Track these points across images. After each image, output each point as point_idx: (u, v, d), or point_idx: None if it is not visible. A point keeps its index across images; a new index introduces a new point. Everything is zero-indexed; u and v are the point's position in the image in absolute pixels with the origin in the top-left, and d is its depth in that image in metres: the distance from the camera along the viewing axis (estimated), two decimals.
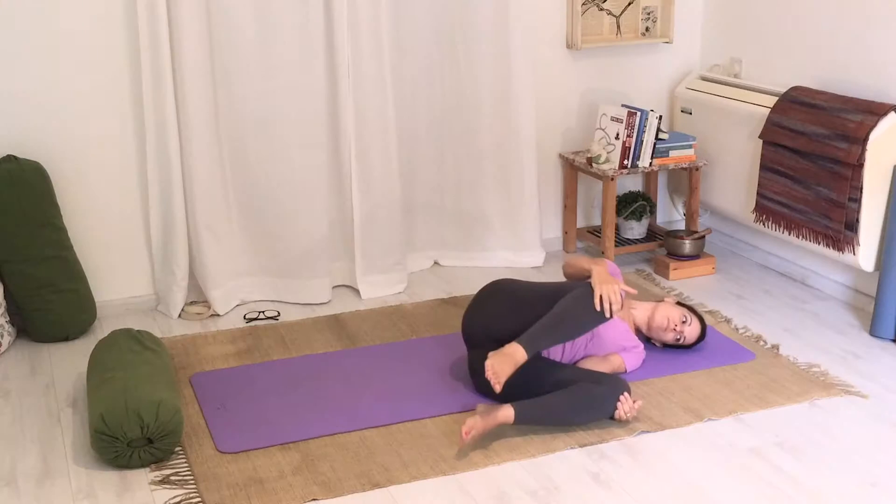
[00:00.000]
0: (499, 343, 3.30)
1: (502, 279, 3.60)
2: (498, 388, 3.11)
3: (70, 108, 4.00)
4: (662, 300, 3.82)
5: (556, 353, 3.49)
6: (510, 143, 4.60)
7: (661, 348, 3.79)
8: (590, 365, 3.51)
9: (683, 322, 3.69)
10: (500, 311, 3.41)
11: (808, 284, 4.48)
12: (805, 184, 4.12)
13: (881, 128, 3.84)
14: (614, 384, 3.26)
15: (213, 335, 4.02)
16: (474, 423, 3.06)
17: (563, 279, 3.68)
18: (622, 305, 3.26)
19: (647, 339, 3.80)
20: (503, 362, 3.13)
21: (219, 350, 3.87)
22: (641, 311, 3.76)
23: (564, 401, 3.21)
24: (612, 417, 3.24)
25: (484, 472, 3.02)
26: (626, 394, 3.24)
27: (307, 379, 3.60)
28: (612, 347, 3.58)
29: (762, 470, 3.01)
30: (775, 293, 4.41)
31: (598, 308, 3.23)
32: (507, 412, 3.14)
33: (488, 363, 3.13)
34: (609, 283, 3.27)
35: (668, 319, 3.69)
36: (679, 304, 3.81)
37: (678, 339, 3.71)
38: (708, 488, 2.92)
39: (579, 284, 3.36)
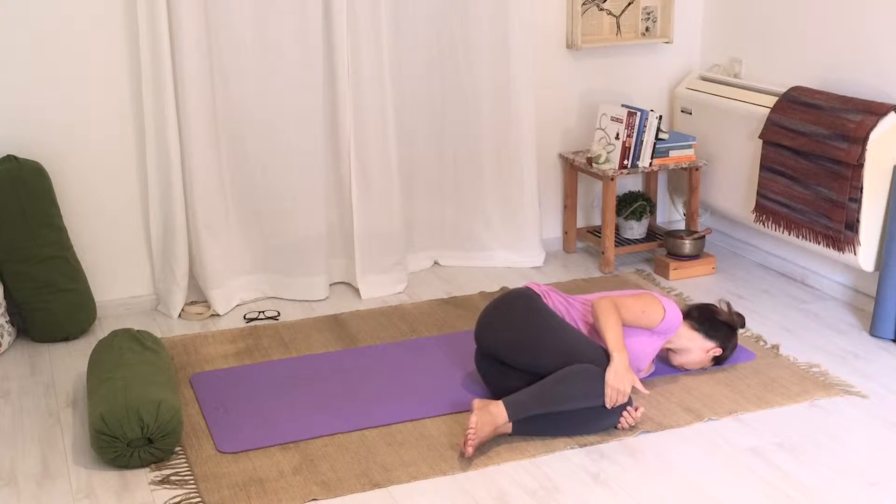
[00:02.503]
0: (502, 364, 3.31)
1: (531, 294, 3.39)
2: (470, 450, 3.02)
3: (70, 108, 4.00)
4: (708, 351, 3.53)
5: None
6: (510, 142, 4.60)
7: None
8: None
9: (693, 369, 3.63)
10: (513, 338, 3.29)
11: (808, 284, 4.48)
12: (805, 184, 4.12)
13: (881, 128, 3.84)
14: None
15: (213, 335, 4.02)
16: (475, 424, 3.04)
17: (562, 287, 3.67)
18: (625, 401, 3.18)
19: None
20: (485, 423, 3.05)
21: (219, 350, 3.87)
22: (675, 341, 3.53)
23: (565, 416, 3.16)
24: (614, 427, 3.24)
25: (484, 472, 3.02)
26: (628, 408, 3.21)
27: (307, 379, 3.60)
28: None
29: (762, 470, 3.01)
30: (775, 293, 4.41)
31: (606, 402, 3.14)
32: (505, 427, 3.13)
33: (472, 419, 3.03)
34: (624, 380, 3.14)
35: (680, 366, 3.60)
36: (718, 358, 3.58)
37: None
38: (708, 488, 2.92)
39: (594, 352, 3.24)
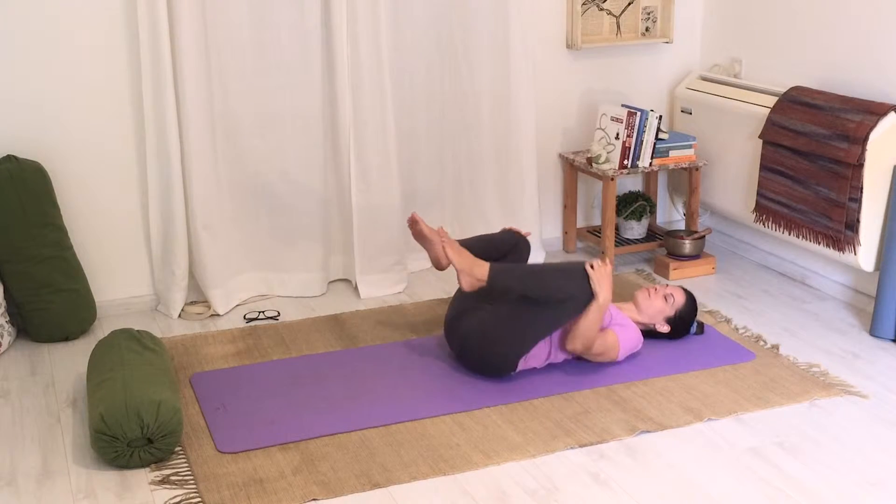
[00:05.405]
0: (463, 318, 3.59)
1: None
2: (436, 238, 3.55)
3: (70, 108, 4.00)
4: (654, 290, 3.86)
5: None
6: (510, 142, 4.60)
7: (665, 339, 3.81)
8: None
9: (660, 288, 3.83)
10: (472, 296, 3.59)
11: (808, 284, 4.48)
12: (805, 184, 4.12)
13: (881, 128, 3.85)
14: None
15: (213, 335, 4.02)
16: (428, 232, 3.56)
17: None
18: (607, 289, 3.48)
19: (647, 337, 3.81)
20: (463, 257, 3.45)
21: (219, 350, 3.87)
22: (630, 311, 3.82)
23: (541, 271, 3.49)
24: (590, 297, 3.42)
25: (484, 472, 3.02)
26: (597, 261, 3.48)
27: (307, 379, 3.60)
28: (603, 322, 3.61)
29: (762, 470, 3.01)
30: (775, 293, 4.41)
31: (589, 272, 3.44)
32: (482, 267, 3.45)
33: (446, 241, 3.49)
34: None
35: (647, 292, 3.81)
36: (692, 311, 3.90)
37: (668, 302, 3.79)
38: (708, 488, 2.92)
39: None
